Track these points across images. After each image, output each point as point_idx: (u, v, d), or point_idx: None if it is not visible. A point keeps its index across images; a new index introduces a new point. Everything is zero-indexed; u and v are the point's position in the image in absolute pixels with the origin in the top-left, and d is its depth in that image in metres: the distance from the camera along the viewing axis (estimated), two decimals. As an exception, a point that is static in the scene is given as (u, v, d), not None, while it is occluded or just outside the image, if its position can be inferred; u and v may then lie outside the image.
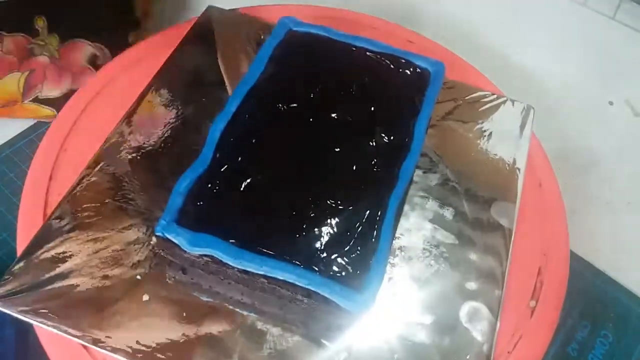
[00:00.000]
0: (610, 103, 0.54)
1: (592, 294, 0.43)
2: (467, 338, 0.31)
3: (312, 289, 0.28)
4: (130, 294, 0.31)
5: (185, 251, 0.30)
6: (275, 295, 0.31)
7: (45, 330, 0.30)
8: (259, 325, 0.31)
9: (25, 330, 0.37)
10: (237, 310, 0.31)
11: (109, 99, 0.40)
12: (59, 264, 0.31)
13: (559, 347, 0.40)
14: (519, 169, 0.38)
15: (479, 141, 0.39)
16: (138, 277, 0.31)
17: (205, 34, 0.43)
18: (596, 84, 0.55)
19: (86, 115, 0.39)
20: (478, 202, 0.36)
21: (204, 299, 0.31)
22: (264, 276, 0.29)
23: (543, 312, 0.33)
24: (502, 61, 0.55)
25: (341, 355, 0.30)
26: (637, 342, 0.41)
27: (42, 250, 0.32)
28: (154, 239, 0.30)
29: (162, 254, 0.31)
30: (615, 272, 0.44)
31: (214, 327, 0.30)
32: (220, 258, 0.29)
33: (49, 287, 0.31)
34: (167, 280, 0.31)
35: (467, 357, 0.30)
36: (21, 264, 0.31)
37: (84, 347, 0.30)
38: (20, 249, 0.32)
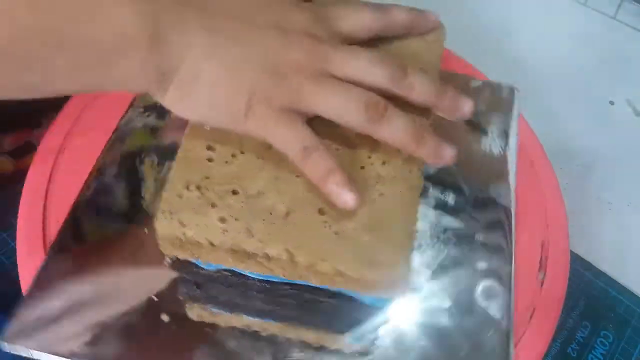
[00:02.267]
0: (611, 103, 0.54)
1: (592, 294, 0.43)
2: (485, 316, 0.31)
3: (338, 290, 0.29)
4: (148, 316, 0.30)
5: (202, 268, 0.29)
6: (297, 300, 0.30)
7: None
8: (281, 329, 0.30)
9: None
10: (259, 319, 0.30)
11: (108, 100, 0.40)
12: (70, 297, 0.30)
13: (559, 347, 0.40)
14: (510, 149, 0.38)
15: (468, 126, 0.39)
16: (155, 298, 0.30)
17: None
18: (597, 83, 0.55)
19: (87, 114, 0.39)
20: (476, 186, 0.37)
21: (220, 310, 0.30)
22: (288, 283, 0.29)
23: (544, 311, 0.33)
24: (502, 61, 0.55)
25: (365, 348, 0.30)
26: (637, 342, 0.41)
27: (49, 285, 0.30)
28: (167, 259, 0.30)
29: (181, 277, 0.31)
30: (615, 273, 0.44)
31: (236, 338, 0.30)
32: (241, 272, 0.29)
33: (64, 322, 0.29)
34: (179, 296, 0.30)
35: (489, 335, 0.31)
36: (29, 301, 0.30)
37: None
38: (20, 258, 0.32)
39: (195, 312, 0.30)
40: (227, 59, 0.27)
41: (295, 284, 0.29)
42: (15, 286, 0.32)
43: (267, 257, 0.27)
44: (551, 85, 0.54)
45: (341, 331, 0.30)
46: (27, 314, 0.29)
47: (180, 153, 0.29)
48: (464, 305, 0.31)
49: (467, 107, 0.30)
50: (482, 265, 0.33)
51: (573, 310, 0.42)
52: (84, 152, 0.36)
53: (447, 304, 0.31)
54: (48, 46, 0.24)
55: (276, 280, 0.29)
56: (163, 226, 0.27)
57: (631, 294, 0.43)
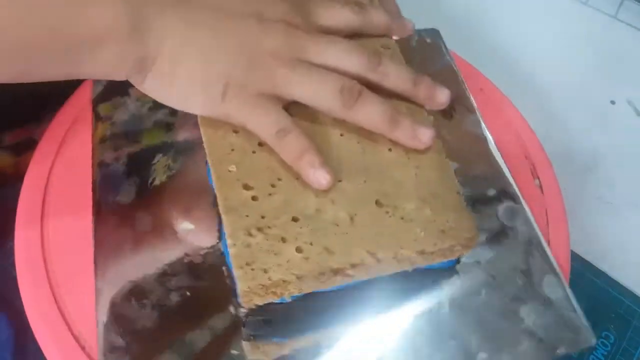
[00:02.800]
0: (612, 102, 0.54)
1: (593, 294, 0.43)
2: (517, 236, 0.33)
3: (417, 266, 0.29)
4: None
5: (278, 303, 0.28)
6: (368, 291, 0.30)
7: (45, 332, 0.30)
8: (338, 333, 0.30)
9: (24, 332, 0.37)
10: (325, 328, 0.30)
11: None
12: None
13: (560, 348, 0.40)
14: (461, 79, 0.40)
15: None
16: (234, 351, 0.29)
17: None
18: (598, 83, 0.55)
19: (82, 118, 0.39)
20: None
21: (284, 339, 0.30)
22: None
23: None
24: (502, 60, 0.55)
25: (443, 306, 0.31)
26: (639, 343, 0.41)
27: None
28: (241, 310, 0.29)
29: (249, 319, 0.29)
30: (616, 273, 0.43)
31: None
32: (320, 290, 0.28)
33: None
34: (244, 341, 0.29)
35: (525, 246, 0.33)
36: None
37: (82, 348, 0.30)
38: (19, 258, 0.32)
39: (259, 351, 0.29)
40: (204, 48, 0.28)
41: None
42: (14, 287, 0.32)
43: (353, 267, 0.27)
44: (551, 85, 0.54)
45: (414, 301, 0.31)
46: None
47: (221, 204, 0.28)
48: (497, 232, 0.33)
49: (443, 96, 0.31)
50: (491, 192, 0.35)
51: (574, 310, 0.42)
52: (83, 150, 0.36)
53: (482, 237, 0.33)
54: (32, 37, 0.26)
55: (352, 284, 0.29)
56: (247, 280, 0.26)
57: (632, 294, 0.43)
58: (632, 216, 0.46)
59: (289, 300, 0.28)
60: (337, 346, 0.29)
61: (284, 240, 0.27)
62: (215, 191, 0.28)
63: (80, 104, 0.39)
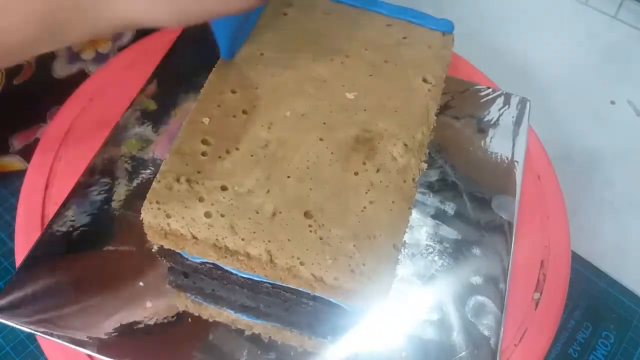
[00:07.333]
0: (612, 103, 0.54)
1: (593, 294, 0.42)
2: (473, 333, 0.31)
3: (317, 294, 0.28)
4: (133, 302, 0.30)
5: (187, 258, 0.29)
6: (280, 298, 0.30)
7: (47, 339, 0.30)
8: (265, 329, 0.31)
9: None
10: (242, 314, 0.31)
11: (103, 104, 0.39)
12: (60, 274, 0.31)
13: (561, 348, 0.40)
14: (517, 162, 0.38)
15: (476, 136, 0.39)
16: (141, 284, 0.31)
17: (198, 33, 0.43)
18: (598, 83, 0.55)
19: (80, 120, 0.39)
20: (478, 197, 0.36)
21: (207, 303, 0.31)
22: (268, 282, 0.29)
23: (547, 303, 0.33)
24: (503, 60, 0.55)
25: (349, 355, 0.30)
26: (639, 343, 0.41)
27: (41, 261, 0.31)
28: (154, 246, 0.30)
29: (163, 261, 0.31)
30: (616, 273, 0.43)
31: (220, 333, 0.30)
32: (222, 266, 0.29)
33: (51, 297, 0.30)
34: (168, 285, 0.31)
35: (475, 352, 0.30)
36: (21, 274, 0.31)
37: (89, 356, 0.30)
38: (18, 257, 0.32)
39: (182, 301, 0.31)
40: None
41: (277, 284, 0.29)
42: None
43: (248, 256, 0.27)
44: (552, 85, 0.54)
45: (323, 335, 0.30)
46: (16, 290, 0.30)
47: (175, 144, 0.29)
48: (452, 319, 0.31)
49: None
50: (476, 280, 0.33)
51: (574, 311, 0.42)
52: (84, 147, 0.36)
53: (435, 316, 0.31)
54: None
55: (257, 278, 0.29)
56: (149, 216, 0.27)
57: (632, 295, 0.43)
58: (632, 216, 0.46)
59: (190, 258, 0.29)
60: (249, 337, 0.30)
61: (201, 200, 0.27)
62: (179, 131, 0.29)
63: (80, 102, 0.39)
